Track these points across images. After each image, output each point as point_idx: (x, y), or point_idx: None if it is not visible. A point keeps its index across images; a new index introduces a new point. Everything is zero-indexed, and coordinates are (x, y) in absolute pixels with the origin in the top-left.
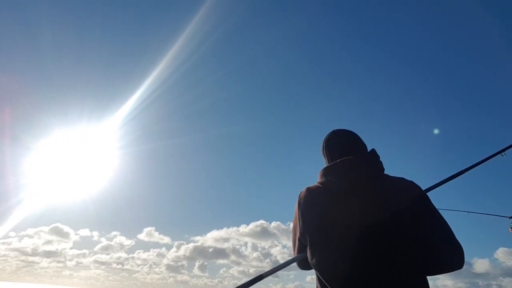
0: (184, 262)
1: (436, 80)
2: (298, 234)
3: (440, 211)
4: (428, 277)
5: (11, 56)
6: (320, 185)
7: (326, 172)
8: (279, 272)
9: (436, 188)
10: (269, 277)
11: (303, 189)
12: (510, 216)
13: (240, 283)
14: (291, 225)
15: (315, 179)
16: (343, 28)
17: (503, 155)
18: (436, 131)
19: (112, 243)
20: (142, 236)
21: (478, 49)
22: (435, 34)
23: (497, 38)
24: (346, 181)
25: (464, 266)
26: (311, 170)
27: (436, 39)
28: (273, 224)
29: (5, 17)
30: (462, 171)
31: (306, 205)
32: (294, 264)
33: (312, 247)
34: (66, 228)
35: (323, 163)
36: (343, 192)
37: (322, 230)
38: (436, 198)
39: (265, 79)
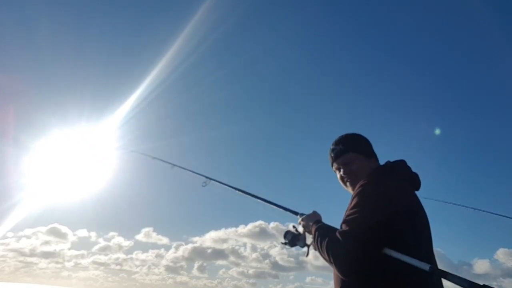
0: (183, 263)
1: (437, 80)
2: (386, 216)
3: (446, 205)
4: None
5: (9, 56)
6: (395, 177)
7: (396, 167)
8: (279, 273)
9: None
10: (269, 278)
11: (384, 179)
12: None
13: (239, 284)
14: (367, 204)
15: (314, 179)
16: (343, 28)
17: None
18: (437, 131)
19: (110, 243)
20: (140, 237)
21: (479, 49)
22: (436, 34)
23: (498, 37)
24: (416, 178)
25: (464, 266)
26: (310, 170)
27: (436, 39)
28: (272, 224)
29: (3, 17)
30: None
31: (401, 191)
32: (293, 264)
33: (406, 232)
34: (64, 229)
35: (323, 163)
36: (411, 186)
37: (417, 217)
38: (443, 192)
39: (264, 79)
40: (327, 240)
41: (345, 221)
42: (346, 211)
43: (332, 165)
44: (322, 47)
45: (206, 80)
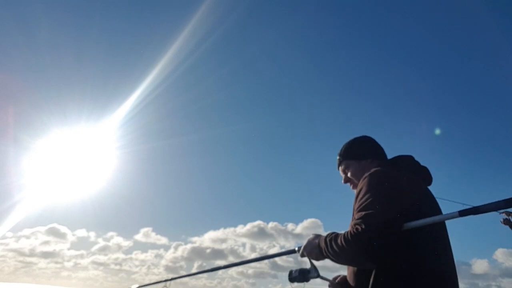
0: (183, 263)
1: (438, 80)
2: (402, 207)
3: (446, 204)
4: None
5: (9, 56)
6: (398, 171)
7: (400, 161)
8: (278, 273)
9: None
10: (269, 278)
11: (385, 169)
12: (501, 211)
13: (239, 284)
14: (377, 197)
15: (314, 180)
16: (343, 28)
17: None
18: (437, 131)
19: (110, 243)
20: (139, 237)
21: (479, 49)
22: (436, 34)
23: (499, 37)
24: (425, 172)
25: (463, 266)
26: (309, 170)
27: (436, 40)
28: (271, 224)
29: (3, 16)
30: None
31: (408, 183)
32: (292, 264)
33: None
34: (63, 229)
35: (322, 163)
36: (420, 179)
37: (426, 208)
38: (443, 192)
39: (264, 79)
40: (344, 234)
41: (358, 210)
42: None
43: None
44: (322, 47)
45: (206, 80)
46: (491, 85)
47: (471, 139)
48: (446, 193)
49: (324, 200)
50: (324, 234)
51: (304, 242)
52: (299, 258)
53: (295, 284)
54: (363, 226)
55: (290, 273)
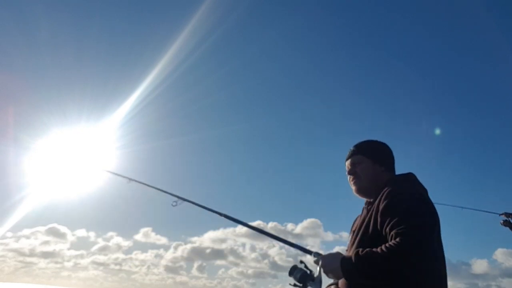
0: (183, 263)
1: (438, 79)
2: (434, 229)
3: (436, 205)
4: None
5: (9, 56)
6: (417, 186)
7: (415, 180)
8: (278, 273)
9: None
10: (268, 278)
11: (416, 187)
12: (500, 213)
13: (239, 284)
14: (420, 216)
15: (313, 180)
16: (343, 27)
17: None
18: (437, 131)
19: (110, 243)
20: (138, 237)
21: (480, 48)
22: (436, 33)
23: (499, 37)
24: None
25: (463, 266)
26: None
27: (436, 38)
28: (270, 224)
29: (3, 16)
30: None
31: (427, 197)
32: (292, 264)
33: (438, 244)
34: (63, 229)
35: (322, 163)
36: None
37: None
38: (443, 192)
39: (264, 79)
40: (389, 250)
41: (410, 226)
42: (371, 218)
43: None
44: (322, 47)
45: (206, 80)
46: (491, 85)
47: (472, 139)
48: (446, 193)
49: (324, 200)
50: (324, 234)
51: (324, 253)
52: (312, 262)
53: (291, 279)
54: (419, 239)
55: (294, 268)
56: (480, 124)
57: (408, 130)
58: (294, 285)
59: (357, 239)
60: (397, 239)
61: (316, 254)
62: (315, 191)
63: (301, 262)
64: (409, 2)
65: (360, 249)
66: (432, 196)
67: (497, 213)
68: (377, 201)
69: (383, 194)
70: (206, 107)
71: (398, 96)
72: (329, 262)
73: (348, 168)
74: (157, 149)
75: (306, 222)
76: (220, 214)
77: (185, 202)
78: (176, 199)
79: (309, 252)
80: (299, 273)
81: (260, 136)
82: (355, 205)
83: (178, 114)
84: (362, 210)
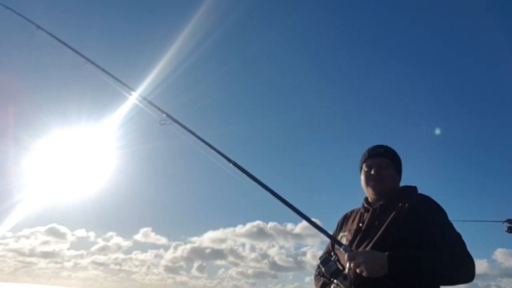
0: (182, 263)
1: (438, 80)
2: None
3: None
4: None
5: (9, 56)
6: None
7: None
8: (278, 273)
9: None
10: (268, 278)
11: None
12: (503, 220)
13: (239, 284)
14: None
15: (313, 180)
16: (343, 27)
17: None
18: (437, 132)
19: (109, 244)
20: (138, 237)
21: (480, 48)
22: (435, 33)
23: (499, 37)
24: None
25: None
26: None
27: (436, 39)
28: (270, 224)
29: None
30: None
31: None
32: (292, 264)
33: None
34: (62, 229)
35: (322, 163)
36: None
37: None
38: (443, 192)
39: (264, 79)
40: (454, 255)
41: (448, 236)
42: (399, 222)
43: (363, 162)
44: (322, 47)
45: (206, 80)
46: (491, 85)
47: (472, 139)
48: (446, 192)
49: (324, 200)
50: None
51: (359, 251)
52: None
53: (319, 266)
54: (463, 251)
55: (328, 260)
56: (480, 124)
57: (408, 130)
58: (322, 275)
59: (377, 237)
60: (456, 248)
61: (346, 248)
62: (315, 191)
63: (334, 254)
64: (409, 2)
65: (403, 249)
66: (432, 196)
67: (500, 221)
68: (406, 207)
69: (418, 202)
70: (206, 107)
71: (398, 96)
72: (371, 258)
73: (375, 166)
74: (157, 149)
75: (306, 222)
76: (222, 155)
77: (174, 124)
78: (164, 117)
79: (339, 243)
80: (333, 267)
81: (260, 136)
82: (355, 205)
83: (178, 115)
84: (363, 210)
